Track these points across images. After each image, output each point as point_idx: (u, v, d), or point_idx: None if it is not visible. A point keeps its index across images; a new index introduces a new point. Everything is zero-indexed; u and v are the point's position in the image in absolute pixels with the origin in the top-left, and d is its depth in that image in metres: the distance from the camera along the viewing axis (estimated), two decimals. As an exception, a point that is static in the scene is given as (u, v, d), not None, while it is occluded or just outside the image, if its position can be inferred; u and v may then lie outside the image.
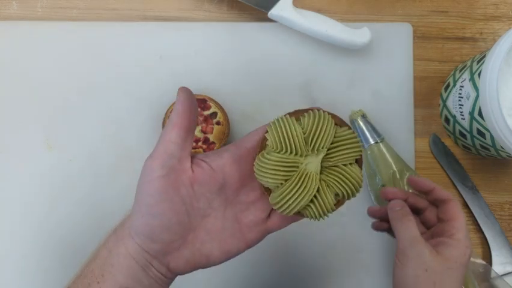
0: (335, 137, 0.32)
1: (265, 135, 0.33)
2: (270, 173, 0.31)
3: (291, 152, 0.32)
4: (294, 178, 0.31)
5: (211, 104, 0.51)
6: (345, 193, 0.32)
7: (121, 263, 0.31)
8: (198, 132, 0.51)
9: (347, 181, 0.32)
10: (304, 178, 0.32)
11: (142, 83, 0.55)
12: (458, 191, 0.55)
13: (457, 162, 0.55)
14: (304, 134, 0.32)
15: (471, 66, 0.49)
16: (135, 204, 0.32)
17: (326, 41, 0.54)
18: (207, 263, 0.34)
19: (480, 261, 0.51)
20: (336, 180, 0.32)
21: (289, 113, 0.34)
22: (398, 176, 0.50)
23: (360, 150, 0.33)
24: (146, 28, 0.56)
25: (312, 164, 0.32)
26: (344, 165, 0.32)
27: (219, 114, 0.51)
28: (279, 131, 0.32)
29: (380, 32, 0.55)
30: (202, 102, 0.51)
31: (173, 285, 0.35)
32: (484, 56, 0.47)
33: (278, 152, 0.32)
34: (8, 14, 0.56)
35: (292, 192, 0.31)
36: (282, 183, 0.32)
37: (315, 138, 0.31)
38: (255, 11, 0.55)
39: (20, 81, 0.55)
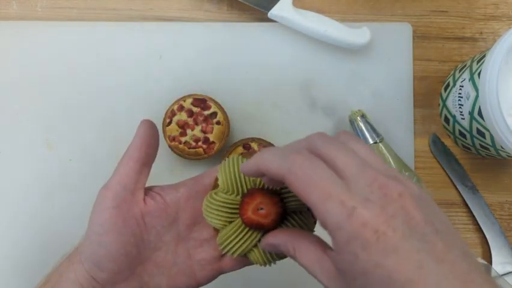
0: None
1: (217, 175, 0.32)
2: (214, 213, 0.31)
3: (238, 194, 0.31)
4: (238, 220, 0.31)
5: (211, 104, 0.51)
6: None
7: None
8: (198, 132, 0.51)
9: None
10: (249, 223, 0.30)
11: (142, 83, 0.55)
12: (458, 191, 0.55)
13: (457, 162, 0.55)
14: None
15: (471, 66, 0.49)
16: (87, 230, 0.32)
17: (326, 41, 0.54)
18: None
19: (481, 261, 0.51)
20: (287, 227, 0.31)
21: (242, 153, 0.33)
22: (397, 176, 0.50)
23: None
24: (146, 28, 0.56)
25: None
26: (301, 212, 0.31)
27: (219, 114, 0.51)
28: (229, 172, 0.31)
29: (380, 32, 0.55)
30: (202, 102, 0.51)
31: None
32: (484, 56, 0.47)
33: (226, 193, 0.31)
34: (8, 14, 0.56)
35: (235, 235, 0.31)
36: (226, 225, 0.31)
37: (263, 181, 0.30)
38: (255, 11, 0.55)
39: (20, 81, 0.55)
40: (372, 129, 0.52)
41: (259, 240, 0.31)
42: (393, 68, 0.56)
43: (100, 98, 0.55)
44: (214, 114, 0.51)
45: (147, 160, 0.33)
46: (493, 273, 0.51)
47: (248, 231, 0.31)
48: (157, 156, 0.54)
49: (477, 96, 0.46)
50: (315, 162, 0.25)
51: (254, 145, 0.51)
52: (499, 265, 0.52)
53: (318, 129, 0.55)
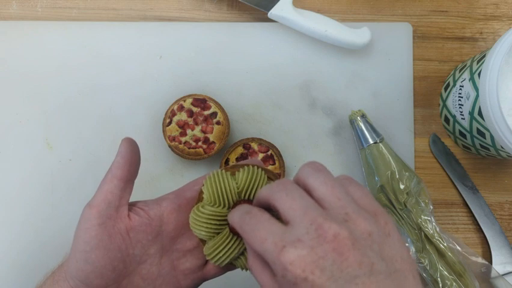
0: None
1: (202, 188, 0.34)
2: (203, 226, 0.32)
3: (224, 206, 0.33)
4: (225, 231, 0.33)
5: (211, 104, 0.51)
6: None
7: None
8: (198, 132, 0.51)
9: None
10: (236, 232, 0.32)
11: (142, 83, 0.55)
12: (458, 190, 0.55)
13: (457, 162, 0.55)
14: (238, 188, 0.33)
15: (471, 66, 0.49)
16: (72, 248, 0.33)
17: (326, 41, 0.54)
18: None
19: (482, 260, 0.51)
20: None
21: (226, 167, 0.34)
22: (397, 176, 0.50)
23: None
24: (146, 28, 0.56)
25: None
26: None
27: (219, 114, 0.51)
28: (214, 186, 0.33)
29: (380, 32, 0.55)
30: (202, 102, 0.51)
31: None
32: (484, 56, 0.47)
33: (212, 206, 0.33)
34: (8, 14, 0.56)
35: (223, 245, 0.32)
36: (214, 236, 0.33)
37: (247, 193, 0.33)
38: (255, 11, 0.55)
39: (20, 81, 0.55)
40: (373, 129, 0.52)
41: (245, 249, 0.33)
42: (393, 68, 0.56)
43: (100, 98, 0.55)
44: (214, 114, 0.51)
45: (130, 177, 0.34)
46: (493, 273, 0.51)
47: (235, 240, 0.33)
48: (157, 156, 0.54)
49: (477, 96, 0.46)
50: (259, 218, 0.28)
51: (254, 145, 0.51)
52: (499, 265, 0.52)
53: (318, 129, 0.55)
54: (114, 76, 0.55)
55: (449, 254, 0.49)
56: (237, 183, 0.33)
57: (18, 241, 0.53)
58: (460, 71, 0.52)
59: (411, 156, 0.55)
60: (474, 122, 0.48)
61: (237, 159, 0.51)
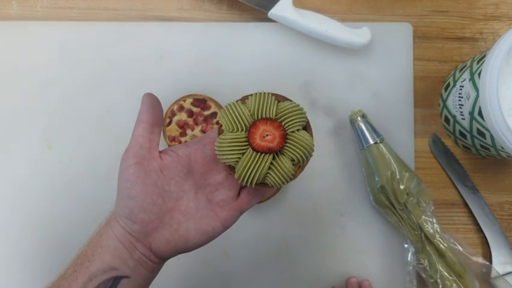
0: (278, 110, 0.35)
1: (219, 121, 0.36)
2: (227, 151, 0.35)
3: (241, 130, 0.35)
4: (248, 151, 0.35)
5: (211, 104, 0.51)
6: (299, 156, 0.35)
7: (109, 245, 0.35)
8: (198, 133, 0.51)
9: (297, 145, 0.35)
10: (258, 149, 0.35)
11: (142, 83, 0.55)
12: (458, 191, 0.55)
13: (457, 162, 0.55)
14: (250, 112, 0.35)
15: (471, 66, 0.49)
16: (117, 191, 0.36)
17: (326, 41, 0.54)
18: (186, 244, 0.36)
19: (482, 261, 0.51)
20: (288, 146, 0.35)
21: (237, 100, 0.37)
22: (397, 177, 0.50)
23: (304, 117, 0.36)
24: (146, 28, 0.56)
25: None
26: (292, 132, 0.35)
27: (219, 114, 0.51)
28: (229, 115, 0.35)
29: (380, 32, 0.55)
30: (202, 102, 0.51)
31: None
32: (484, 56, 0.47)
33: (231, 132, 0.35)
34: (8, 14, 0.56)
35: (249, 163, 0.34)
36: (239, 158, 0.35)
37: (259, 114, 0.35)
38: (255, 11, 0.55)
39: (20, 81, 0.55)
40: (373, 130, 0.52)
41: (271, 163, 0.35)
42: (393, 68, 0.56)
43: (100, 98, 0.55)
44: (214, 114, 0.51)
45: (155, 121, 0.37)
46: (493, 273, 0.51)
47: (259, 157, 0.34)
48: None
49: (477, 96, 0.46)
50: None
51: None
52: (499, 265, 0.52)
53: (318, 129, 0.55)
54: (114, 76, 0.55)
55: (449, 254, 0.49)
56: (248, 108, 0.35)
57: (17, 240, 0.53)
58: (460, 71, 0.52)
59: (411, 156, 0.55)
60: (474, 122, 0.48)
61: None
